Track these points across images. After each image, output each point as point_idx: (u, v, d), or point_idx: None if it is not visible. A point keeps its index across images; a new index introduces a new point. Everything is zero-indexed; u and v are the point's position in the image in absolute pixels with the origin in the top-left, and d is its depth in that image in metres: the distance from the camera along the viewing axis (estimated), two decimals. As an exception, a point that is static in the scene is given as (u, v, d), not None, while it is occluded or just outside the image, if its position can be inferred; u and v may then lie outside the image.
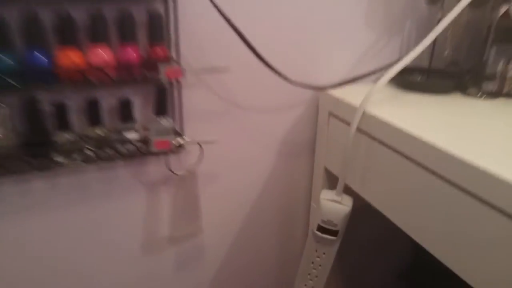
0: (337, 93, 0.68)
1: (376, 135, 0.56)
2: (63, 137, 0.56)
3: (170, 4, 0.58)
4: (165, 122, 0.62)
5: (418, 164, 0.49)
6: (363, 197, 0.62)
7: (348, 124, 0.64)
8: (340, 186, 0.60)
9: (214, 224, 0.81)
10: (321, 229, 0.62)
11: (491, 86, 0.68)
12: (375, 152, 0.58)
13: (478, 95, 0.69)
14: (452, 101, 0.66)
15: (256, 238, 0.86)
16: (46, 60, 0.51)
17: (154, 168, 0.70)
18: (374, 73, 0.72)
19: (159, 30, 0.57)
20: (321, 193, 0.62)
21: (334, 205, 0.60)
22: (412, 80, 0.72)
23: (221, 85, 0.69)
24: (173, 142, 0.62)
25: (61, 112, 0.56)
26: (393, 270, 0.99)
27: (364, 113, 0.58)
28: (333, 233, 0.62)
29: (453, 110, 0.60)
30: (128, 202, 0.71)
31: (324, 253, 0.64)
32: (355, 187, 0.63)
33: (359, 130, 0.59)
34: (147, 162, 0.69)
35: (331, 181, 0.77)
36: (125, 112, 0.59)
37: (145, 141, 0.61)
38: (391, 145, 0.54)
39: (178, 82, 0.62)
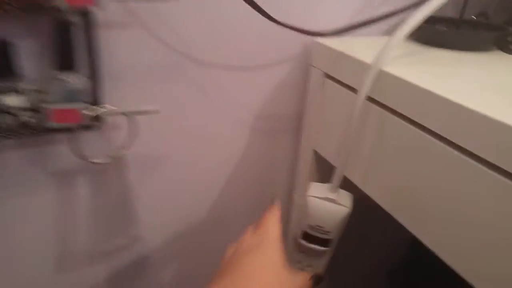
0: (337, 44, 0.49)
1: (397, 106, 0.39)
2: None
3: None
4: (73, 80, 0.41)
5: (461, 149, 0.32)
6: (367, 194, 0.45)
7: (353, 90, 0.45)
8: (337, 178, 0.43)
9: (157, 229, 0.61)
10: (307, 237, 0.45)
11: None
12: (391, 131, 0.39)
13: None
14: (493, 59, 0.49)
15: (221, 243, 0.67)
16: None
17: (63, 152, 0.48)
18: (385, 19, 0.52)
19: None
20: (310, 187, 0.45)
21: (328, 206, 0.43)
22: (440, 31, 0.52)
23: (164, 24, 0.47)
24: (85, 112, 0.41)
25: None
26: (383, 268, 0.89)
27: (380, 74, 0.39)
28: (324, 242, 0.45)
29: (497, 70, 0.44)
30: (29, 202, 0.49)
31: (309, 266, 0.47)
32: (356, 180, 0.46)
33: (369, 99, 0.40)
34: (53, 143, 0.47)
35: (322, 169, 0.59)
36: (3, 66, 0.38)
37: (38, 110, 0.40)
38: (419, 120, 0.36)
39: (88, 14, 0.40)
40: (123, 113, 0.46)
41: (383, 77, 0.39)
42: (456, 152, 0.32)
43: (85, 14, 0.40)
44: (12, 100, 0.39)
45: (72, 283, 0.58)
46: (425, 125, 0.35)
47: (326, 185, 0.44)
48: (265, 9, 0.46)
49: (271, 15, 0.47)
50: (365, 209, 0.44)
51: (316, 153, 0.56)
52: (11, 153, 0.45)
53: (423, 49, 0.50)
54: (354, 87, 0.44)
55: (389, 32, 0.59)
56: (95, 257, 0.57)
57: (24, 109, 0.40)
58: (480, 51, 0.51)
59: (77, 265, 0.56)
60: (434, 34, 0.52)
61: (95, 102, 0.45)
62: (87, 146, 0.48)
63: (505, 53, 0.52)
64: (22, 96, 0.40)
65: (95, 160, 0.47)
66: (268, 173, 0.65)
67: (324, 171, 0.59)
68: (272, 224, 0.42)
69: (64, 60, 0.40)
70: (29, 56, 0.41)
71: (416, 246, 0.37)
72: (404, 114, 0.37)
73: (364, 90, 0.39)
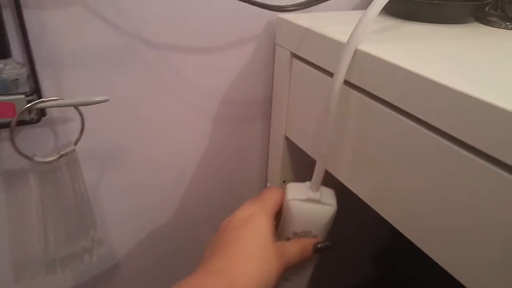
0: (304, 20, 0.44)
1: (378, 91, 0.34)
2: None
3: None
4: (7, 69, 0.35)
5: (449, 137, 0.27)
6: (353, 191, 0.39)
7: (324, 71, 0.40)
8: (318, 175, 0.38)
9: (120, 228, 0.55)
10: None
11: (520, 10, 0.48)
12: (374, 119, 0.35)
13: (503, 25, 0.48)
14: (474, 32, 0.45)
15: (191, 240, 0.63)
16: None
17: (7, 150, 0.42)
18: None
19: None
20: (287, 190, 0.40)
21: (312, 208, 0.38)
22: (415, 3, 0.48)
23: (111, 3, 0.41)
24: (23, 105, 0.37)
25: None
26: (368, 255, 0.87)
27: (356, 54, 0.34)
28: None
29: (475, 44, 0.40)
30: None
31: (294, 275, 0.42)
32: (339, 175, 0.41)
33: (346, 83, 0.36)
34: None
35: (295, 156, 0.54)
36: None
37: None
38: (405, 107, 0.31)
39: None
40: (68, 105, 0.40)
41: (360, 57, 0.34)
42: (449, 144, 0.28)
43: None
44: None
45: None
46: (410, 111, 0.31)
47: (305, 184, 0.39)
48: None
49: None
50: (346, 195, 0.40)
51: (288, 140, 0.52)
52: None
53: (398, 23, 0.46)
54: (326, 68, 0.40)
55: (359, 5, 0.54)
56: (56, 262, 0.50)
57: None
58: (458, 23, 0.47)
59: (37, 272, 0.50)
60: (409, 6, 0.48)
61: (35, 93, 0.39)
62: (32, 142, 0.42)
63: (484, 25, 0.48)
64: None
65: (40, 159, 0.41)
66: (239, 163, 0.60)
67: (297, 158, 0.54)
68: (269, 196, 0.40)
69: None
70: None
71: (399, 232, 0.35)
72: (387, 99, 0.33)
73: (341, 72, 0.34)
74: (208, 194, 0.60)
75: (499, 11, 0.49)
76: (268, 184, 0.60)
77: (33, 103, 0.38)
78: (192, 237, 0.62)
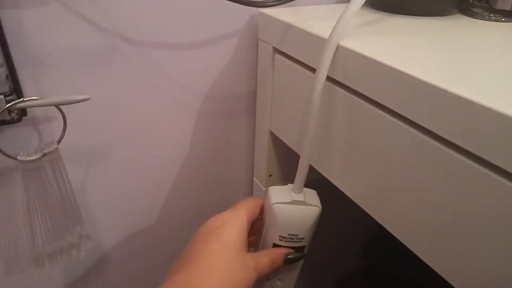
0: (285, 15, 0.43)
1: (361, 88, 0.33)
2: None
3: None
4: None
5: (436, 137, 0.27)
6: (342, 190, 0.39)
7: (306, 66, 0.40)
8: (301, 176, 0.37)
9: (105, 224, 0.55)
10: None
11: (503, 2, 0.47)
12: (358, 116, 0.34)
13: (486, 16, 0.48)
14: (458, 25, 0.44)
15: (177, 235, 0.62)
16: None
17: None
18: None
19: None
20: (270, 194, 0.39)
21: (296, 210, 0.38)
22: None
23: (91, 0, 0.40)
24: (2, 104, 0.37)
25: None
26: (357, 247, 0.88)
27: (339, 50, 0.34)
28: (298, 250, 0.40)
29: (459, 38, 0.39)
30: None
31: (280, 280, 0.42)
32: (326, 173, 0.40)
33: (328, 79, 0.35)
34: None
35: (281, 151, 0.54)
36: None
37: None
38: (383, 103, 0.31)
39: None
40: (48, 104, 0.40)
41: (342, 53, 0.34)
42: (427, 138, 0.28)
43: None
44: None
45: (26, 286, 0.53)
46: (392, 108, 0.30)
47: (287, 186, 0.38)
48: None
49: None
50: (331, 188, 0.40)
51: (273, 135, 0.51)
52: None
53: (381, 16, 0.46)
54: (308, 64, 0.39)
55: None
56: (44, 257, 0.50)
57: None
58: (442, 16, 0.47)
59: (26, 266, 0.50)
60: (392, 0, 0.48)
61: (14, 92, 0.39)
62: (15, 142, 0.42)
63: (467, 17, 0.48)
64: None
65: (23, 158, 0.41)
66: (226, 158, 0.60)
67: (283, 153, 0.54)
68: (244, 204, 0.38)
69: None
70: None
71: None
72: (370, 96, 0.32)
73: (323, 69, 0.34)
74: (195, 189, 0.60)
75: (483, 2, 0.49)
76: (254, 179, 0.60)
77: (12, 103, 0.38)
78: (178, 231, 0.62)
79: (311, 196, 0.38)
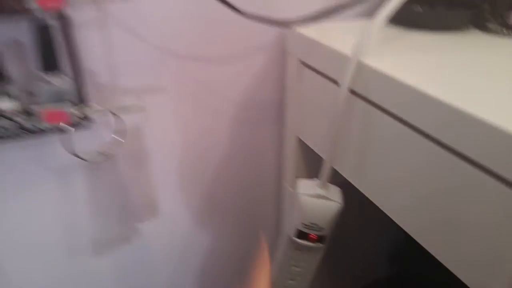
0: (312, 32, 0.48)
1: (381, 101, 0.37)
2: None
3: None
4: (58, 82, 0.42)
5: (448, 148, 0.31)
6: (358, 188, 0.43)
7: (331, 80, 0.44)
8: (325, 174, 0.42)
9: (152, 222, 0.61)
10: (302, 235, 0.45)
11: (518, 17, 0.50)
12: (378, 127, 0.39)
13: (502, 32, 0.51)
14: (471, 41, 0.47)
15: (212, 236, 0.68)
16: None
17: (59, 151, 0.49)
18: (361, 2, 0.51)
19: None
20: (298, 185, 0.44)
21: (320, 203, 0.43)
22: (415, 12, 0.51)
23: (143, 22, 0.47)
24: (74, 112, 0.43)
25: None
26: (384, 251, 0.88)
27: (360, 67, 0.38)
28: (318, 239, 0.45)
29: (473, 56, 0.42)
30: (34, 198, 0.51)
31: (303, 262, 0.47)
32: (346, 174, 0.45)
33: (352, 92, 0.40)
34: (49, 142, 0.48)
35: (308, 156, 0.58)
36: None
37: (28, 112, 0.42)
38: (401, 116, 0.35)
39: (63, 15, 0.40)
40: (109, 112, 0.46)
41: (363, 69, 0.38)
42: (449, 154, 0.31)
43: (60, 16, 0.40)
44: (5, 104, 0.40)
45: (83, 270, 0.60)
46: (411, 122, 0.34)
47: (314, 181, 0.43)
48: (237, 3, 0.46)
49: (244, 5, 0.47)
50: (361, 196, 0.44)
51: (300, 141, 0.56)
52: (11, 155, 0.47)
53: (399, 32, 0.49)
54: (333, 77, 0.44)
55: (367, 11, 0.58)
56: (99, 247, 0.59)
57: (18, 112, 0.41)
58: (457, 31, 0.51)
59: (84, 253, 0.59)
60: (409, 15, 0.51)
61: (81, 101, 0.45)
62: (80, 144, 0.48)
63: (483, 32, 0.51)
64: (14, 100, 0.41)
65: (87, 158, 0.48)
66: (256, 162, 0.65)
67: (309, 157, 0.59)
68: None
69: (48, 61, 0.40)
70: (15, 59, 0.41)
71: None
72: (389, 109, 0.36)
73: (345, 84, 0.38)
74: (229, 189, 0.65)
75: (499, 18, 0.52)
76: (283, 182, 0.64)
77: (81, 110, 0.44)
78: (212, 230, 0.68)
79: (334, 193, 0.43)
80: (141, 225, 0.60)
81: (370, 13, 0.40)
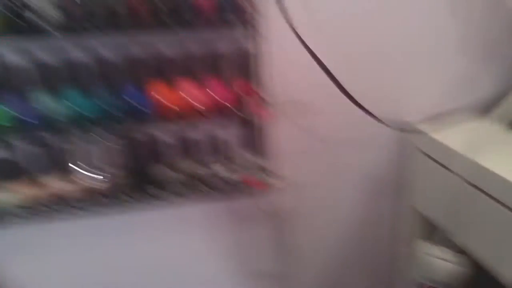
0: (431, 130, 0.62)
1: (494, 193, 0.48)
2: (162, 172, 0.61)
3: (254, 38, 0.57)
4: (253, 158, 0.62)
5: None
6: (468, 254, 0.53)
7: (445, 167, 0.56)
8: (442, 241, 0.54)
9: (303, 264, 0.78)
10: None
11: None
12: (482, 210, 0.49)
13: None
14: None
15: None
16: (143, 98, 0.56)
17: (243, 205, 0.68)
18: (470, 106, 0.64)
19: (246, 66, 0.58)
20: (422, 245, 0.55)
21: (437, 263, 0.54)
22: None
23: (307, 121, 0.65)
24: (263, 180, 0.62)
25: (155, 147, 0.60)
26: None
27: (473, 164, 0.50)
28: None
29: None
30: (213, 240, 0.71)
31: None
32: (458, 240, 0.55)
33: (465, 181, 0.51)
34: (238, 199, 0.67)
35: (420, 223, 0.69)
36: (213, 147, 0.62)
37: (232, 177, 0.62)
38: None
39: (265, 117, 0.61)
40: (285, 181, 0.65)
41: (475, 168, 0.49)
42: None
43: (263, 117, 0.60)
44: (221, 171, 0.62)
45: None
46: None
47: (435, 245, 0.54)
48: (370, 107, 0.61)
49: (375, 108, 0.62)
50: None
51: (414, 210, 0.68)
52: (209, 205, 0.67)
53: (504, 131, 0.59)
54: (447, 167, 0.55)
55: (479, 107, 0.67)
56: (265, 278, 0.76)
57: (227, 177, 0.62)
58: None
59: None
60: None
61: (268, 173, 0.64)
62: (265, 202, 0.67)
63: None
64: (226, 168, 0.62)
65: (267, 211, 0.67)
66: (373, 227, 0.78)
67: (421, 223, 0.69)
68: None
69: (250, 145, 0.62)
70: (228, 143, 0.63)
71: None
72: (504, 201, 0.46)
73: (463, 175, 0.50)
74: (349, 250, 0.80)
75: None
76: (400, 246, 0.76)
77: (268, 179, 0.63)
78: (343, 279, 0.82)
79: (459, 259, 0.52)
80: (292, 268, 0.77)
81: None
